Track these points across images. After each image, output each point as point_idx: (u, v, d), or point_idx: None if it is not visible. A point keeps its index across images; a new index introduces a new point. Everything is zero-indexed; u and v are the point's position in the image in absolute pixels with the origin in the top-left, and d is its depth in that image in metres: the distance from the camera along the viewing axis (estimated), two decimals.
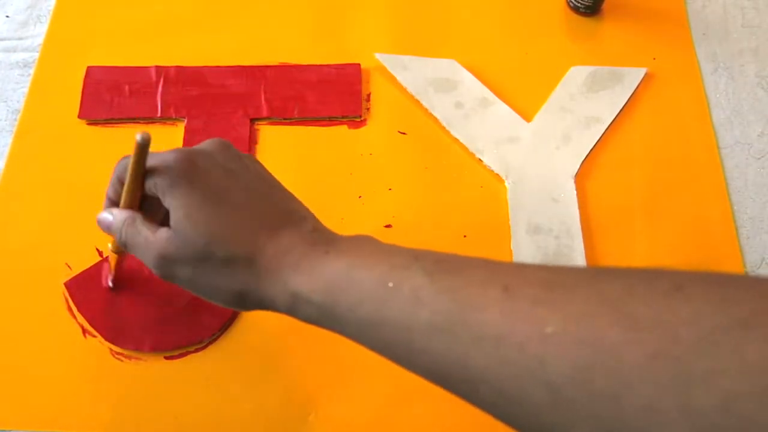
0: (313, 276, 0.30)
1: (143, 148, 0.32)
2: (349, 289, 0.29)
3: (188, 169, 0.32)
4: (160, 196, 0.33)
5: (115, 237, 0.35)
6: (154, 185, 0.33)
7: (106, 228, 0.36)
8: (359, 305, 0.28)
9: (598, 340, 0.22)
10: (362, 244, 0.31)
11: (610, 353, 0.22)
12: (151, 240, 0.33)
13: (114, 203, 0.36)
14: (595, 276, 0.25)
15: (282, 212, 0.33)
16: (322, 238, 0.32)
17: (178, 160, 0.32)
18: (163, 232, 0.33)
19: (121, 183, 0.35)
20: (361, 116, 0.53)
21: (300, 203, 0.35)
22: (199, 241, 0.31)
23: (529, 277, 0.25)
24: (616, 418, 0.21)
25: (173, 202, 0.32)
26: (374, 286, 0.28)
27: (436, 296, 0.26)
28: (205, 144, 0.35)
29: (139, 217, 0.34)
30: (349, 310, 0.29)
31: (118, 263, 0.42)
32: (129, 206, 0.35)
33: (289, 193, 0.35)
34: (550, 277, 0.25)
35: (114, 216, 0.35)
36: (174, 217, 0.32)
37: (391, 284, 0.28)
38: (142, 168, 0.33)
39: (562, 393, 0.22)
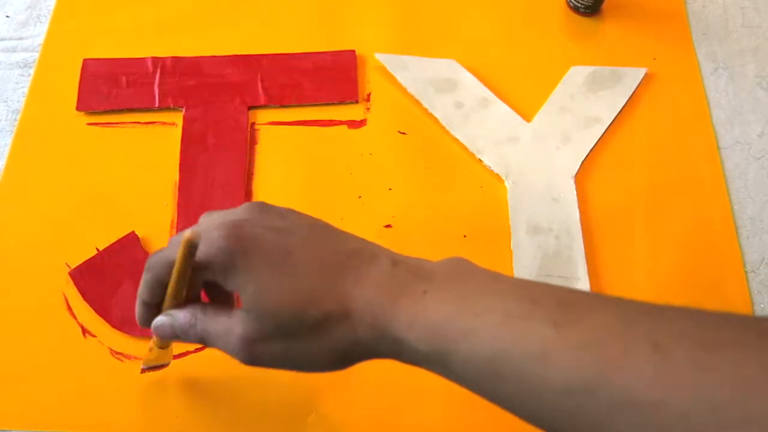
0: (416, 321, 0.27)
1: (193, 247, 0.29)
2: (460, 341, 0.26)
3: (240, 243, 0.29)
4: (221, 283, 0.30)
5: (186, 337, 0.32)
6: (211, 275, 0.30)
7: (170, 332, 0.32)
8: (474, 359, 0.26)
9: None
10: (460, 276, 0.28)
11: None
12: (229, 325, 0.30)
13: (150, 306, 0.32)
14: (760, 333, 0.22)
15: (351, 254, 0.30)
16: (411, 274, 0.29)
17: (225, 237, 0.29)
18: (238, 312, 0.30)
19: (160, 283, 0.31)
20: (357, 101, 0.53)
21: (359, 238, 0.32)
22: (283, 312, 0.28)
23: (679, 331, 0.23)
24: None
25: (239, 283, 0.29)
26: (490, 339, 0.25)
27: (568, 353, 0.24)
28: (241, 211, 0.32)
29: (205, 306, 0.31)
30: (464, 362, 0.26)
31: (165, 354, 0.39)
32: (175, 305, 0.32)
33: (345, 232, 0.32)
34: (707, 333, 0.22)
35: (175, 317, 0.31)
36: (246, 297, 0.29)
37: (511, 337, 0.25)
38: (189, 266, 0.30)
39: None
